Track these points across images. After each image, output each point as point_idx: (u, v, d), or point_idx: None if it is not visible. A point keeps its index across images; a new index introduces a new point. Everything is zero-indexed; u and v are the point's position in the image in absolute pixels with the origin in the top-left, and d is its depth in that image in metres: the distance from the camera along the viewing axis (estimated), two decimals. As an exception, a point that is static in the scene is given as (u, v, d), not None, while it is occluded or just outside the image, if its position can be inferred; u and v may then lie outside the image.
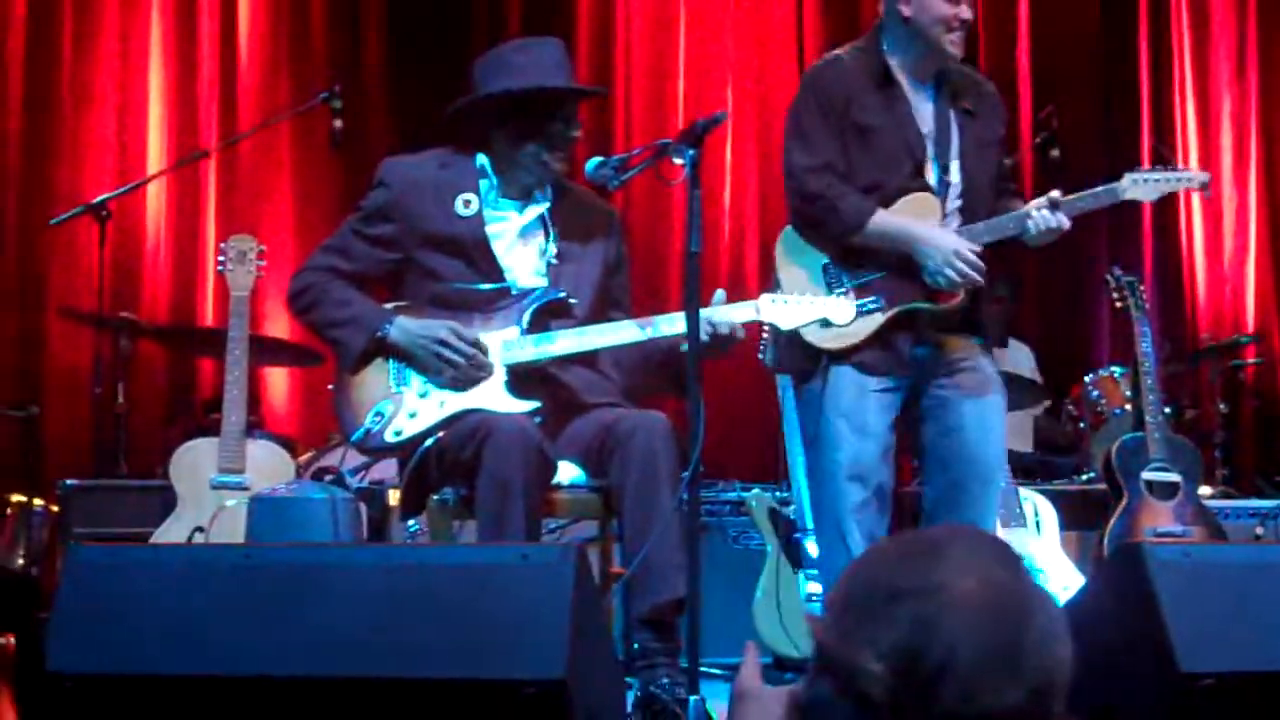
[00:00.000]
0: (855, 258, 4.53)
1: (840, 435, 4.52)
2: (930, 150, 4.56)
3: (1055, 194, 4.48)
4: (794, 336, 4.51)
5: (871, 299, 4.42)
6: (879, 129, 4.53)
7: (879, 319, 4.47)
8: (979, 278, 4.45)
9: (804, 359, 4.61)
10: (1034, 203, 4.52)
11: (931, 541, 1.78)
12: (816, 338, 4.51)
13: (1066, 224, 4.47)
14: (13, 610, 1.84)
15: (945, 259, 4.43)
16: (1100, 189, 4.50)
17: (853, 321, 4.41)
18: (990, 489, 4.61)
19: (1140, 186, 4.52)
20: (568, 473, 4.38)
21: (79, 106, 7.62)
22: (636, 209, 7.65)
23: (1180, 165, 4.59)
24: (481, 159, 4.53)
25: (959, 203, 4.58)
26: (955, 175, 4.58)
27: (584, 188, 4.56)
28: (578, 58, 7.83)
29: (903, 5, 4.53)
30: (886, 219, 4.48)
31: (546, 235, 4.54)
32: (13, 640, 1.91)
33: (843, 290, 4.47)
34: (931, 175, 4.55)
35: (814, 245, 4.58)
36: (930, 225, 4.49)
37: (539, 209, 4.54)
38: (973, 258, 4.43)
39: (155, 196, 7.61)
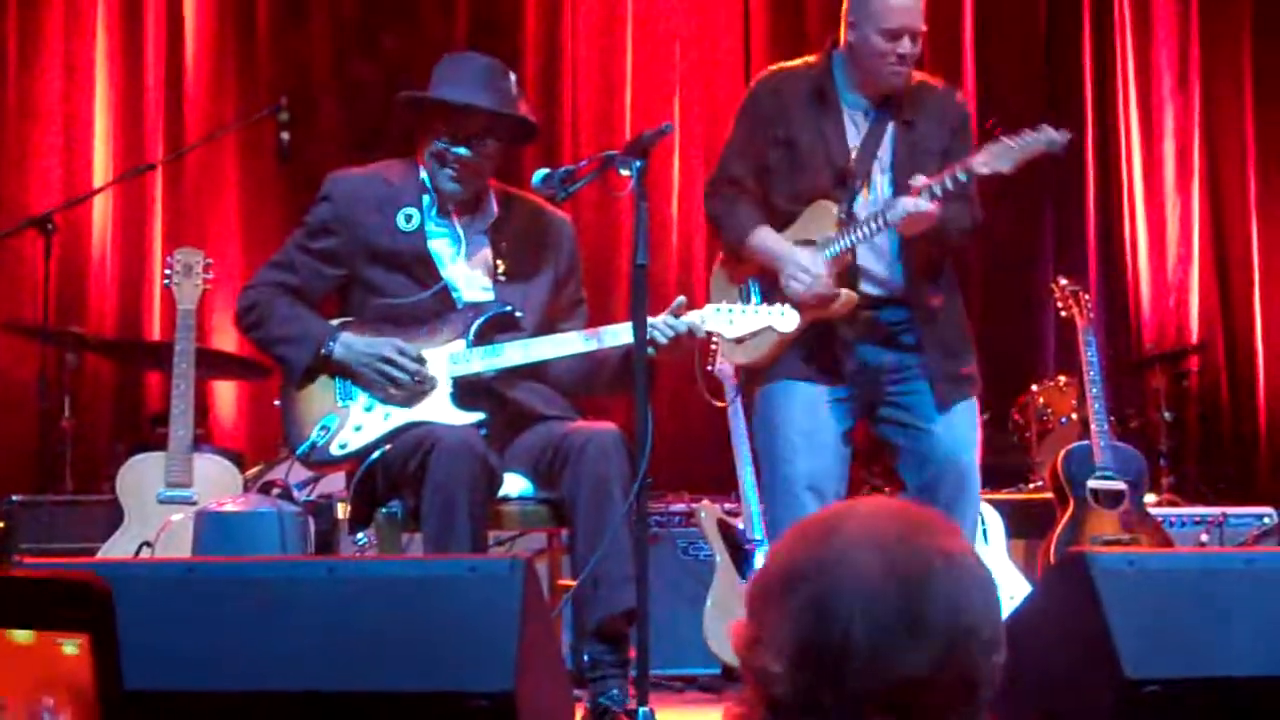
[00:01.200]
0: (768, 278, 4.65)
1: (794, 448, 4.56)
2: (854, 162, 4.60)
3: (918, 179, 4.49)
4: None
5: None
6: (804, 144, 4.65)
7: (774, 336, 4.53)
8: (811, 287, 4.51)
9: (753, 371, 4.66)
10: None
11: (826, 520, 1.69)
12: (729, 354, 4.64)
13: (925, 207, 4.46)
14: (86, 616, 1.71)
15: (789, 273, 4.55)
16: (956, 167, 4.50)
17: (758, 334, 4.48)
18: (964, 491, 4.64)
19: (1000, 159, 4.50)
20: (516, 485, 4.37)
21: (24, 120, 7.57)
22: (586, 219, 7.64)
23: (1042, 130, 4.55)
24: (424, 172, 4.52)
25: (888, 200, 4.60)
26: (880, 188, 4.63)
27: (535, 198, 4.55)
28: (525, 71, 7.82)
29: (849, 32, 4.60)
30: (762, 239, 4.65)
31: (494, 249, 4.53)
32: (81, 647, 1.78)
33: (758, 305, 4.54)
34: (855, 187, 4.61)
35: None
36: (810, 238, 4.58)
37: (482, 225, 4.53)
38: (808, 269, 4.52)
39: (101, 210, 7.57)
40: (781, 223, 4.66)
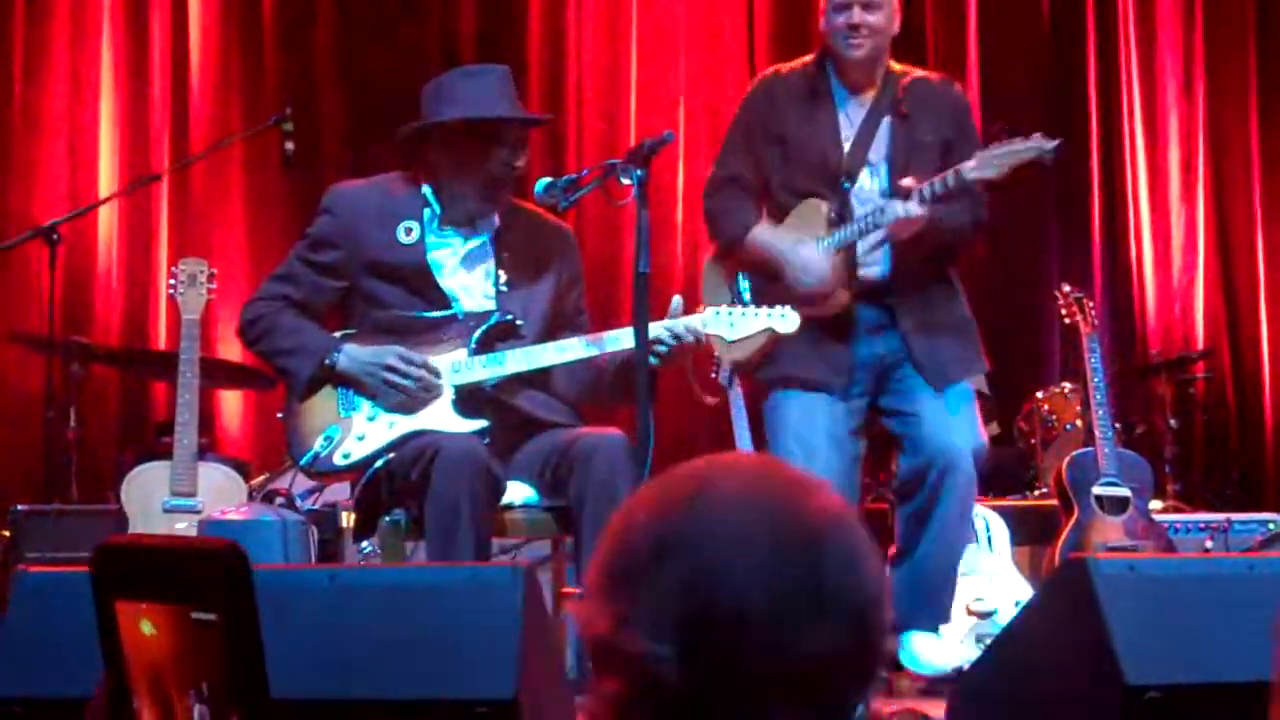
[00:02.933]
0: (760, 274, 4.70)
1: (790, 455, 4.57)
2: (846, 155, 4.63)
3: (907, 181, 4.52)
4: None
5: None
6: (796, 139, 4.71)
7: (761, 337, 4.53)
8: (820, 285, 4.56)
9: (756, 379, 4.70)
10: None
11: (690, 479, 1.46)
12: (724, 353, 4.66)
13: (916, 211, 4.48)
14: (221, 588, 1.53)
15: (793, 274, 4.59)
16: (948, 171, 4.52)
17: (752, 335, 4.50)
18: (952, 476, 4.60)
19: (989, 166, 4.52)
20: (520, 492, 4.38)
21: (30, 131, 7.58)
22: (590, 226, 7.65)
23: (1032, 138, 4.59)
24: (426, 186, 4.52)
25: (880, 203, 4.61)
26: (875, 180, 4.67)
27: (536, 207, 4.55)
28: (529, 78, 7.84)
29: (821, 23, 4.72)
30: (759, 236, 4.69)
31: (495, 260, 4.54)
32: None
33: (745, 302, 4.56)
34: (847, 183, 4.64)
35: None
36: (803, 237, 4.61)
37: (483, 236, 4.53)
38: (809, 268, 4.56)
39: (106, 220, 7.58)
40: (778, 220, 4.71)
